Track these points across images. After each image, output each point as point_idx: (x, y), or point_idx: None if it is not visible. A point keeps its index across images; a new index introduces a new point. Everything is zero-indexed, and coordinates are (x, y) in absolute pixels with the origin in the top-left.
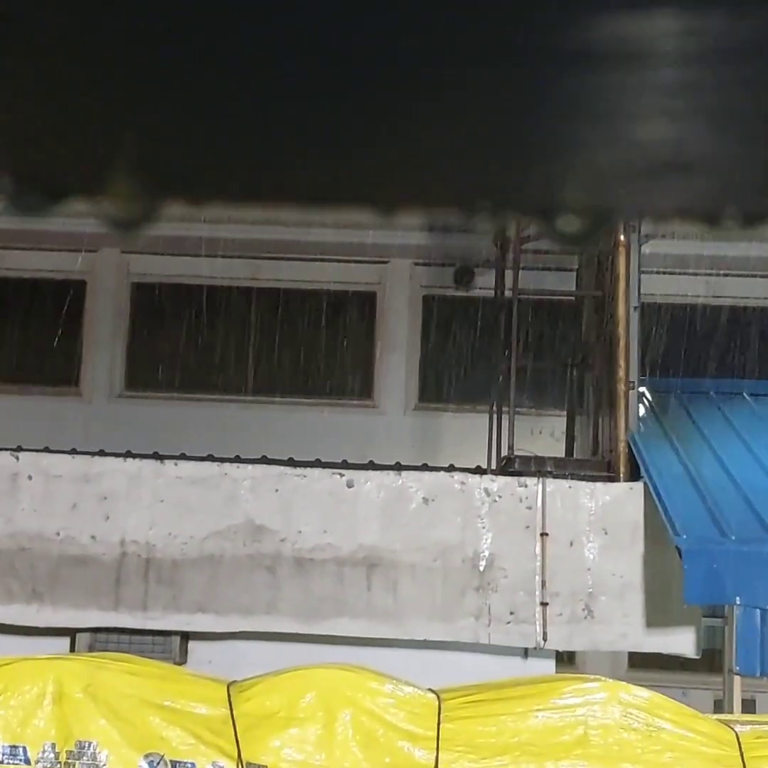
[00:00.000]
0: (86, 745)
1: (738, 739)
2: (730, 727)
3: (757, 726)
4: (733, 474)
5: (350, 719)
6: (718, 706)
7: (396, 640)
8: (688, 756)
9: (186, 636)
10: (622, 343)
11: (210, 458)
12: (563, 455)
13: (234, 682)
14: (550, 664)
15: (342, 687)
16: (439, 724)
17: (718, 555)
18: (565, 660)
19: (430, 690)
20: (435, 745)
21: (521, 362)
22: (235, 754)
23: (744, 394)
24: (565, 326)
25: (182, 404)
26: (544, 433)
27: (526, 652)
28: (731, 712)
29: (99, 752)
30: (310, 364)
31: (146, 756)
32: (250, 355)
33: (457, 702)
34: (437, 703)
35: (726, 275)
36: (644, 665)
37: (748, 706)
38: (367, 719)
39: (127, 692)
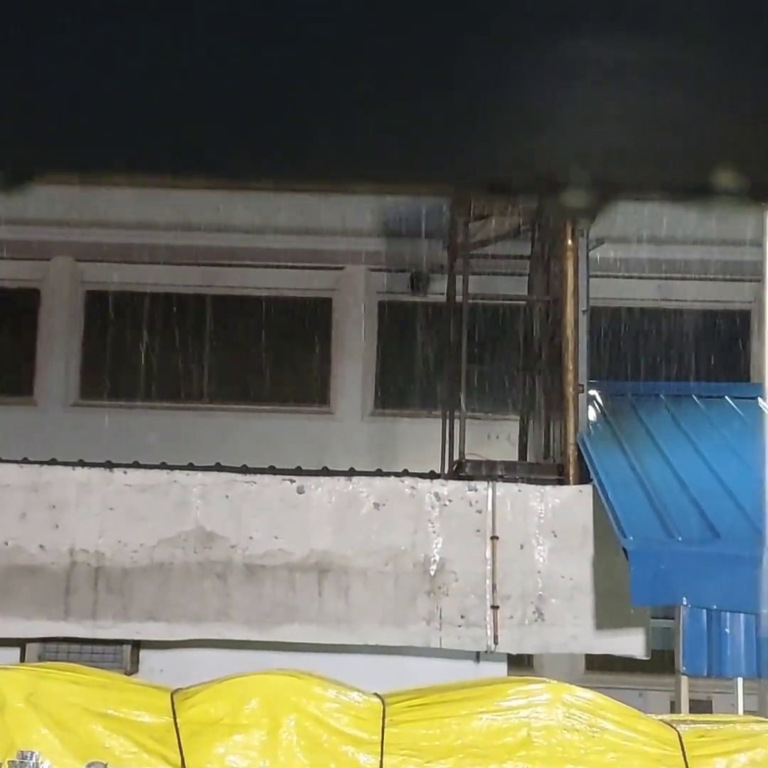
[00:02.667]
0: (28, 754)
1: (680, 738)
2: (672, 726)
3: (700, 725)
4: (681, 476)
5: (294, 725)
6: (674, 707)
7: (348, 646)
8: (630, 756)
9: (137, 645)
10: (570, 347)
11: (160, 466)
12: (516, 459)
13: (178, 689)
14: (502, 668)
15: (285, 693)
16: (383, 728)
17: (665, 556)
18: (524, 664)
19: (375, 694)
20: (379, 749)
21: (472, 367)
22: (179, 762)
23: (693, 396)
24: (517, 331)
25: (137, 412)
26: (500, 438)
27: (477, 656)
28: (681, 712)
29: (41, 762)
30: (266, 371)
31: (89, 765)
32: (204, 362)
33: (401, 706)
34: (382, 707)
35: (675, 279)
36: (601, 667)
37: (705, 707)
38: (311, 724)
39: (69, 701)
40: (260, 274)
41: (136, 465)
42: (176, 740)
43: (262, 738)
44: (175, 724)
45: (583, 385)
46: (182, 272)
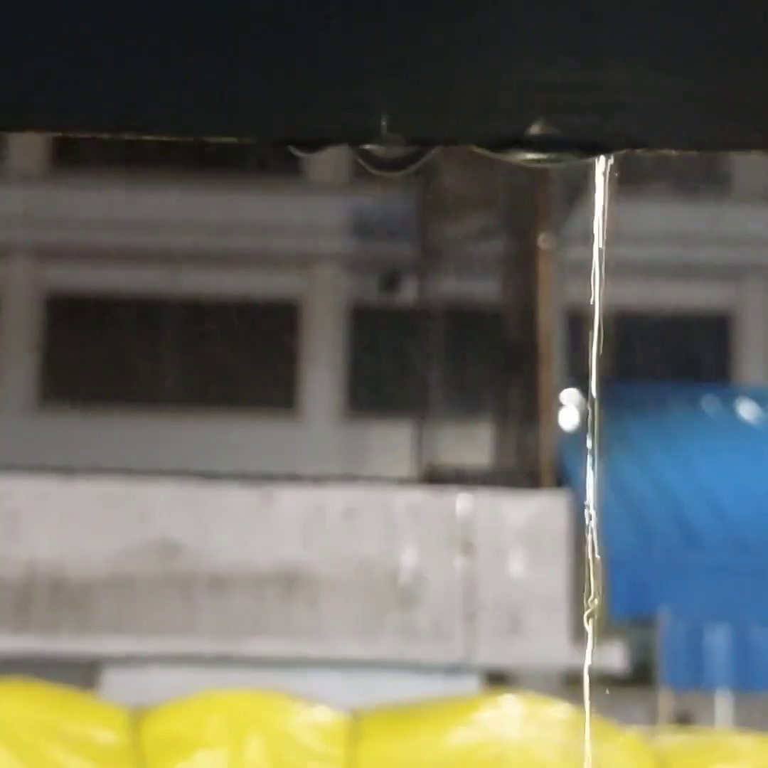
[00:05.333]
0: None
1: (659, 753)
2: (651, 740)
3: (679, 738)
4: (659, 482)
5: (260, 741)
6: (655, 721)
7: (317, 662)
8: None
9: (98, 660)
10: (545, 350)
11: (121, 473)
12: (489, 465)
13: (140, 706)
14: (475, 681)
15: (251, 709)
16: (352, 744)
17: (643, 565)
18: (498, 676)
19: (345, 710)
20: (348, 766)
21: (445, 370)
22: None
23: (672, 400)
24: (491, 333)
25: (100, 417)
26: (472, 443)
27: (450, 669)
28: (660, 724)
29: None
30: (233, 374)
31: None
32: (169, 366)
33: (373, 721)
34: (352, 723)
35: (654, 279)
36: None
37: (685, 719)
38: (277, 742)
39: (26, 719)
40: (227, 275)
41: (98, 472)
42: (136, 758)
43: (226, 755)
44: (136, 742)
45: (558, 390)
46: (146, 273)
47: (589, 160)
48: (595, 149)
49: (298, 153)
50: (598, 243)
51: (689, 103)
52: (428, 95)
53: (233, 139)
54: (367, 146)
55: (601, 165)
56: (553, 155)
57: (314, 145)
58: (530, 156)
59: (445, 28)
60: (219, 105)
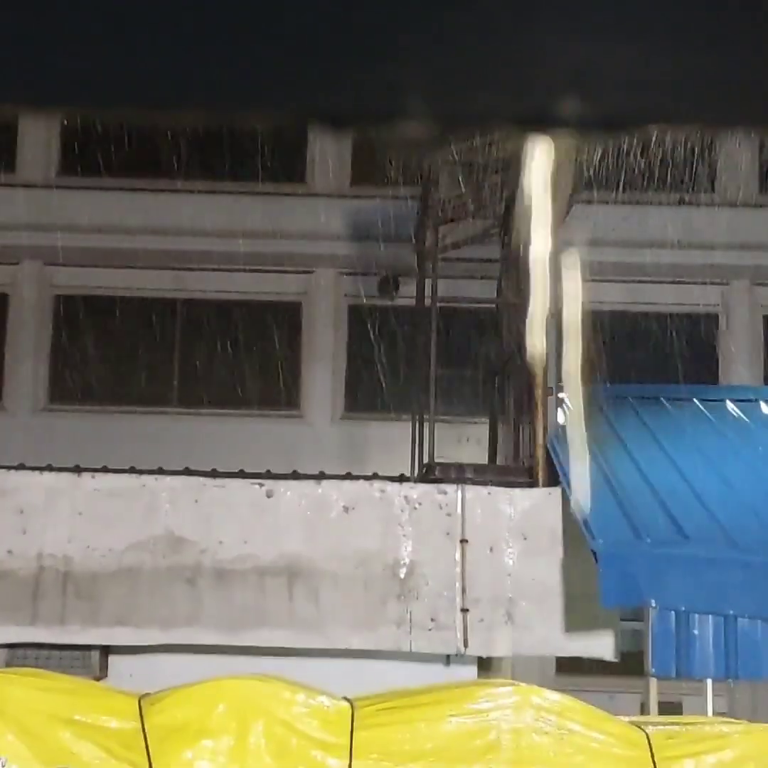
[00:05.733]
0: None
1: (649, 740)
2: (641, 728)
3: (668, 727)
4: (650, 478)
5: (262, 729)
6: (644, 710)
7: (318, 650)
8: (599, 758)
9: (106, 650)
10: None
11: (129, 470)
12: (486, 462)
13: (146, 695)
14: (472, 671)
15: (254, 697)
16: (352, 731)
17: (634, 558)
18: (494, 666)
19: (345, 698)
20: (348, 753)
21: (442, 370)
22: (147, 767)
23: (662, 398)
24: (487, 334)
25: (107, 416)
26: (470, 441)
27: (448, 659)
28: (650, 713)
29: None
30: (236, 374)
31: None
32: (175, 366)
33: (370, 709)
34: (351, 711)
35: (645, 282)
36: (571, 670)
37: (675, 710)
38: (279, 729)
39: (37, 707)
40: (230, 277)
41: (105, 469)
42: (144, 745)
43: (230, 743)
44: (143, 729)
45: (552, 388)
46: (152, 276)
47: (615, 135)
48: (622, 125)
49: (322, 132)
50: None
51: (717, 79)
52: (454, 73)
53: (255, 117)
54: (391, 126)
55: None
56: (579, 131)
57: (340, 123)
58: (557, 132)
59: (472, 4)
60: (238, 83)
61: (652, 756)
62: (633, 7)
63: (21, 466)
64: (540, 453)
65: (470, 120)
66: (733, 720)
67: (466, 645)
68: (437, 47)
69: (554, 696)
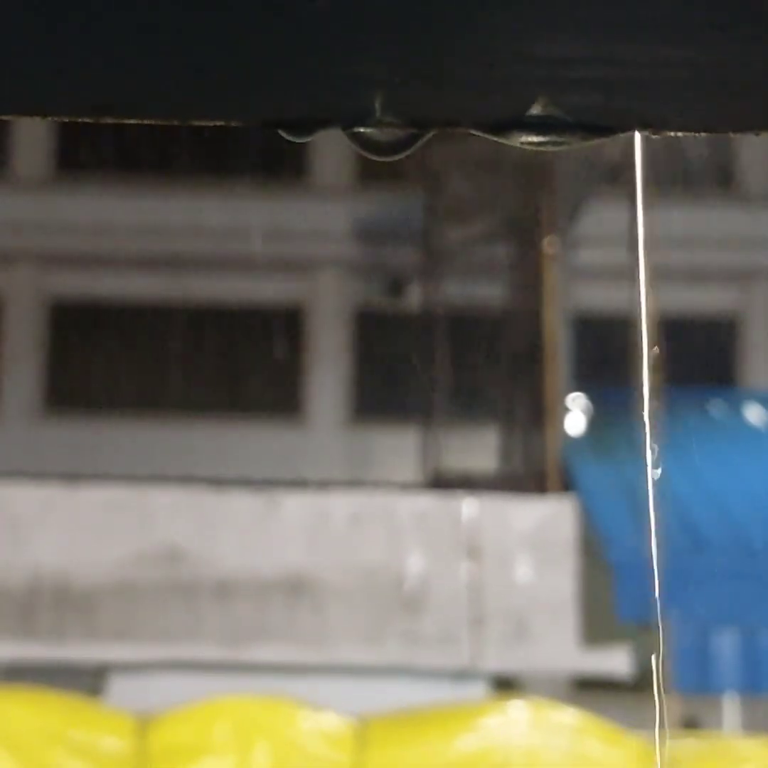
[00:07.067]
0: None
1: (666, 757)
2: (657, 745)
3: (685, 743)
4: (667, 486)
5: (266, 749)
6: (661, 726)
7: (323, 668)
8: None
9: (103, 667)
10: (551, 355)
11: (126, 479)
12: (496, 470)
13: (146, 713)
14: (482, 687)
15: (257, 716)
16: (360, 750)
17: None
18: (505, 682)
19: (351, 716)
20: None
21: (451, 375)
22: None
23: (678, 404)
24: (497, 337)
25: (102, 424)
26: (480, 448)
27: (457, 675)
28: (667, 729)
29: None
30: (238, 380)
31: None
32: (174, 372)
33: (380, 728)
34: (358, 729)
35: (659, 282)
36: (585, 684)
37: (692, 723)
38: (284, 748)
39: (31, 725)
40: (232, 280)
41: (102, 478)
42: (142, 766)
43: (232, 763)
44: (142, 749)
45: (565, 394)
46: (151, 279)
47: (593, 141)
48: (599, 131)
49: (288, 137)
50: (640, 241)
51: (701, 81)
52: (424, 75)
53: (221, 123)
54: (362, 130)
55: (638, 149)
56: (555, 137)
57: (305, 128)
58: (531, 138)
59: (441, 2)
60: (205, 87)
61: None
62: (610, 6)
63: (16, 473)
64: (552, 460)
65: (443, 122)
66: (752, 736)
67: (475, 660)
68: (404, 50)
69: (567, 713)
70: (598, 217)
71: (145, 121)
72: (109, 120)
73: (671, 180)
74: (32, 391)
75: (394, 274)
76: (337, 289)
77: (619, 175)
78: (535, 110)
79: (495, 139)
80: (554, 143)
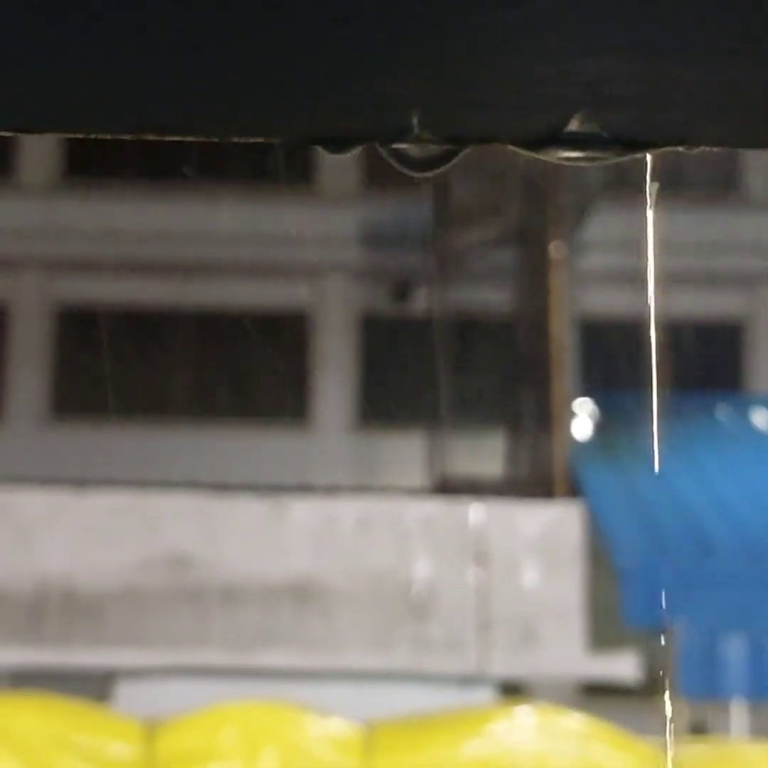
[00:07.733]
0: None
1: (672, 761)
2: (663, 749)
3: (692, 748)
4: (674, 491)
5: (273, 754)
6: (669, 731)
7: (330, 674)
8: None
9: (111, 672)
10: (558, 360)
11: (133, 485)
12: (503, 474)
13: (153, 719)
14: (487, 692)
15: (265, 722)
16: (367, 756)
17: (658, 574)
18: (513, 686)
19: (361, 722)
20: None
21: (458, 379)
22: None
23: (686, 408)
24: (504, 342)
25: (109, 430)
26: (487, 453)
27: (464, 680)
28: (675, 734)
29: None
30: (244, 385)
31: None
32: (181, 378)
33: (387, 733)
34: (366, 735)
35: (668, 287)
36: (593, 689)
37: (700, 728)
38: (291, 754)
39: (39, 730)
40: (239, 286)
41: (109, 484)
42: None
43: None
44: (150, 754)
45: (572, 399)
46: (158, 285)
47: (630, 157)
48: (635, 146)
49: (326, 152)
50: (650, 249)
51: (736, 98)
52: (460, 91)
53: (258, 139)
54: (398, 146)
55: (648, 165)
56: (591, 153)
57: (343, 144)
58: (568, 154)
59: (478, 19)
60: (243, 104)
61: None
62: (646, 25)
63: (23, 479)
64: (559, 465)
65: (479, 138)
66: (759, 741)
67: (482, 665)
68: (441, 66)
69: (574, 718)
70: (604, 222)
71: (188, 138)
72: (151, 137)
73: (679, 186)
74: (39, 397)
75: (401, 280)
76: (344, 295)
77: (626, 180)
78: (572, 126)
79: (532, 155)
80: (590, 158)
